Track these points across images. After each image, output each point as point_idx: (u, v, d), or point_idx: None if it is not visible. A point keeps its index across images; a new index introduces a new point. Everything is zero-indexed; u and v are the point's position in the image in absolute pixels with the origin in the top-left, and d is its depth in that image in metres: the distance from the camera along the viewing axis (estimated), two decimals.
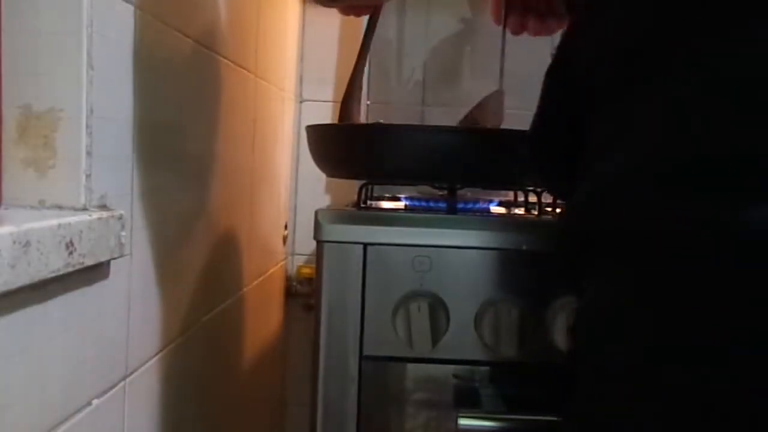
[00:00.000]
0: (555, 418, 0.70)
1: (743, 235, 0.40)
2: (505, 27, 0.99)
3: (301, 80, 1.41)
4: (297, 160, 1.41)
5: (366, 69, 1.26)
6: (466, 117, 0.97)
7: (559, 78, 0.57)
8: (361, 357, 0.79)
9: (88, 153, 0.55)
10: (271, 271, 1.26)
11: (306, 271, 1.39)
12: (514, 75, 1.28)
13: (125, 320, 0.64)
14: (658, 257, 0.43)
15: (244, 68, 0.99)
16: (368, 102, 1.05)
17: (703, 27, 0.43)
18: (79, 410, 0.56)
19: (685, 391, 0.41)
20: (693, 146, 0.42)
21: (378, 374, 0.80)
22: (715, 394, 0.40)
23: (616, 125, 0.47)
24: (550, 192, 0.86)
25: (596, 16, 0.51)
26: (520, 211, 0.97)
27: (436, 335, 0.77)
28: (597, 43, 0.50)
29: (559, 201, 0.91)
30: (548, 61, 0.58)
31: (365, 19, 0.96)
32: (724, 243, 0.40)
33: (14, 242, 0.43)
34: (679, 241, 0.42)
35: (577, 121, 0.53)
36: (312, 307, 0.84)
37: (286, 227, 1.37)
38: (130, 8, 0.62)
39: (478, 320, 0.78)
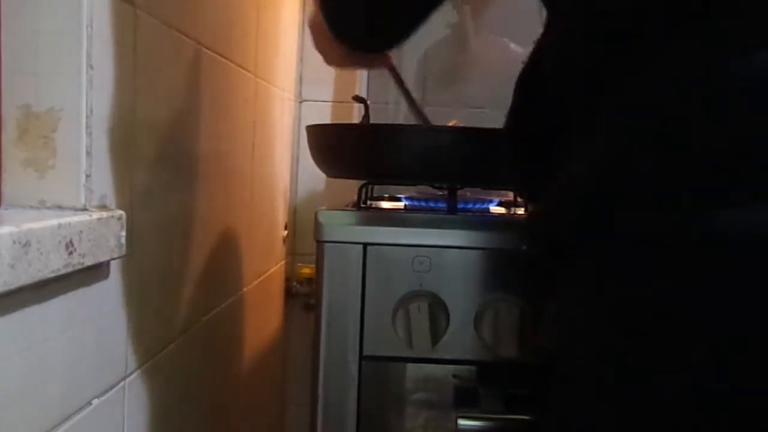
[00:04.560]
0: None
1: (718, 239, 0.39)
2: None
3: (300, 80, 1.41)
4: (297, 160, 1.41)
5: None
6: None
7: (530, 83, 0.57)
8: (361, 357, 0.79)
9: (88, 153, 0.55)
10: (271, 271, 1.26)
11: (306, 271, 1.39)
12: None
13: (125, 320, 0.64)
14: (622, 264, 0.43)
15: (244, 68, 0.99)
16: (368, 102, 1.04)
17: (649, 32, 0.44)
18: (79, 410, 0.56)
19: (648, 398, 0.41)
20: (654, 152, 0.42)
21: (378, 374, 0.80)
22: (673, 402, 0.40)
23: (584, 132, 0.47)
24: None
25: (558, 30, 0.52)
26: (520, 211, 0.97)
27: (435, 335, 0.77)
28: (560, 56, 0.51)
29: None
30: None
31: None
32: (699, 248, 0.40)
33: (14, 242, 0.43)
34: (647, 247, 0.42)
35: (545, 123, 0.53)
36: (312, 307, 0.84)
37: (286, 227, 1.37)
38: (130, 8, 0.62)
39: (477, 320, 0.78)
